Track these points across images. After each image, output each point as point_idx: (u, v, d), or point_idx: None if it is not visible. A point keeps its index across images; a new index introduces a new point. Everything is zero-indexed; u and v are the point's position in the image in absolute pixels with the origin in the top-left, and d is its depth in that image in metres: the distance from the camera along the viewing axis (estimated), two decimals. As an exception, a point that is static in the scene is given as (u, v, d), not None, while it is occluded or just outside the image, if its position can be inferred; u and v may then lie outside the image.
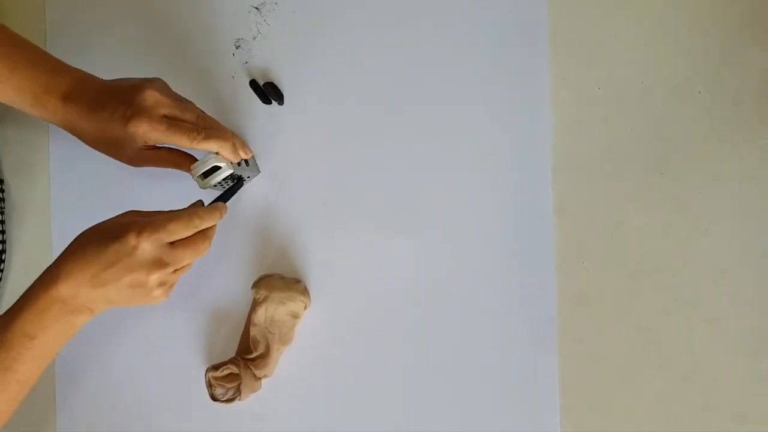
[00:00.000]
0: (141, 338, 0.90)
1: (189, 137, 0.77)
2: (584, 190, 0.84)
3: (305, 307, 0.86)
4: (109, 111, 0.77)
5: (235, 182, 0.83)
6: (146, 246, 0.68)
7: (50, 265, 0.71)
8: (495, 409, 0.84)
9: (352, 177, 0.87)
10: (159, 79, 0.81)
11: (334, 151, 0.88)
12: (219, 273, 0.89)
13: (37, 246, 0.93)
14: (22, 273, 0.93)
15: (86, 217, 0.91)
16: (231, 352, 0.87)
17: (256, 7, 0.90)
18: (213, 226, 0.75)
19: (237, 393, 0.84)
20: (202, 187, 0.81)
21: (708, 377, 0.81)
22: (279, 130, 0.89)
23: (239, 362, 0.84)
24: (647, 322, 0.82)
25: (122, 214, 0.73)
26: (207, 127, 0.79)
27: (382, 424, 0.86)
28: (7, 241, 0.93)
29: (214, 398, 0.85)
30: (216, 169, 0.79)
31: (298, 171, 0.89)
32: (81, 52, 0.93)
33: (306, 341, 0.87)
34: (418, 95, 0.87)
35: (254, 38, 0.90)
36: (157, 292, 0.72)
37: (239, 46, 0.90)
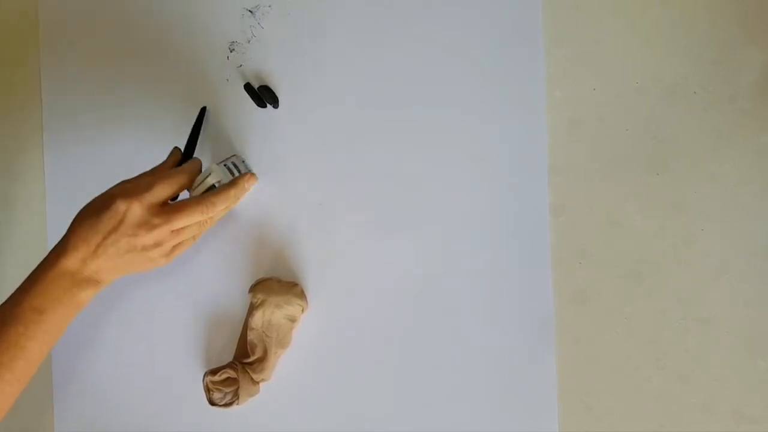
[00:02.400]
0: (139, 342, 0.90)
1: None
2: (580, 190, 0.84)
3: (302, 311, 0.86)
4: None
5: (196, 121, 0.87)
6: (134, 208, 0.72)
7: (56, 245, 0.74)
8: (493, 408, 0.84)
9: (348, 179, 0.87)
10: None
11: (329, 153, 0.88)
12: (216, 277, 0.89)
13: (32, 249, 0.93)
14: (18, 276, 0.93)
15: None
16: (229, 357, 0.88)
17: (250, 10, 0.90)
18: (219, 191, 0.78)
19: (235, 397, 0.84)
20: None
21: (706, 377, 0.81)
22: (274, 133, 0.89)
23: (237, 366, 0.84)
24: (644, 322, 0.82)
25: (114, 186, 0.75)
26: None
27: (381, 426, 0.86)
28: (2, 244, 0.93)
29: (212, 402, 0.85)
30: (214, 187, 0.81)
31: (293, 174, 0.88)
32: (74, 56, 0.93)
33: (304, 344, 0.87)
34: (414, 96, 0.86)
35: (248, 41, 0.90)
36: (154, 253, 0.74)
37: (233, 50, 0.90)
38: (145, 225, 0.72)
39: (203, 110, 0.87)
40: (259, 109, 0.89)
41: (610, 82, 0.84)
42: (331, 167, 0.88)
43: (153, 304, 0.90)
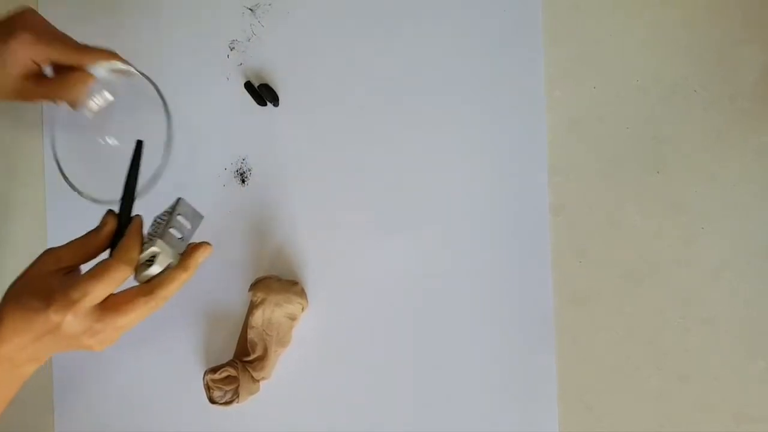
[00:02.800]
0: (139, 341, 0.90)
1: (77, 47, 0.75)
2: (580, 189, 0.84)
3: (303, 309, 0.86)
4: None
5: (131, 167, 0.69)
6: (70, 320, 0.63)
7: None
8: (493, 408, 0.84)
9: (348, 177, 0.87)
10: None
11: (329, 151, 0.88)
12: (216, 276, 0.89)
13: (32, 249, 0.93)
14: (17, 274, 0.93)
15: (81, 217, 0.91)
16: (229, 355, 0.88)
17: (250, 9, 0.89)
18: (163, 278, 0.68)
19: (235, 395, 0.84)
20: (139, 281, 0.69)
21: (705, 377, 0.81)
22: (274, 131, 0.89)
23: (237, 365, 0.84)
24: (644, 322, 0.82)
25: (39, 260, 0.68)
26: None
27: (380, 425, 0.86)
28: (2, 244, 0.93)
29: (212, 401, 0.85)
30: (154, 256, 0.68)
31: (293, 172, 0.88)
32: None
33: (304, 343, 0.87)
34: (414, 95, 0.86)
35: (249, 40, 0.90)
36: (98, 347, 0.67)
37: (234, 48, 0.90)
38: (87, 332, 0.65)
39: (139, 147, 0.71)
40: (260, 107, 0.89)
41: (610, 82, 0.84)
42: (331, 166, 0.88)
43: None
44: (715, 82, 0.82)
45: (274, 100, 0.88)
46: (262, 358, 0.85)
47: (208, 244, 0.70)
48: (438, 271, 0.85)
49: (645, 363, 0.82)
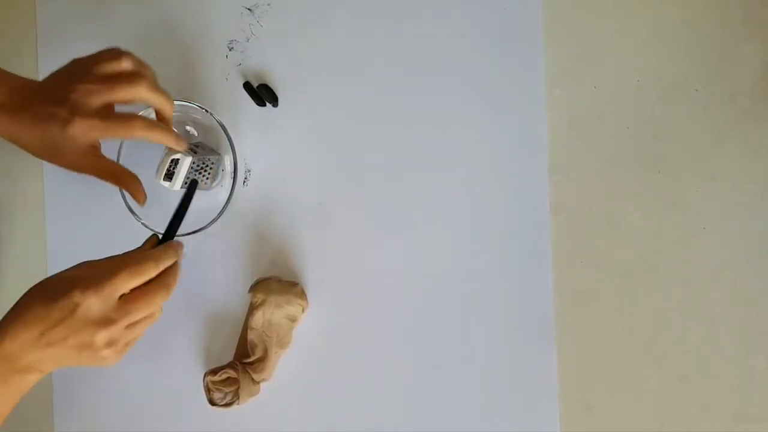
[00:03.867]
0: (139, 343, 0.90)
1: (125, 126, 0.71)
2: (580, 188, 0.84)
3: (303, 310, 0.86)
4: (47, 116, 0.70)
5: (184, 197, 0.74)
6: (92, 302, 0.63)
7: None
8: (493, 408, 0.84)
9: (347, 177, 0.87)
10: (75, 60, 0.74)
11: (328, 152, 0.88)
12: (216, 277, 0.89)
13: (31, 248, 0.93)
14: (17, 275, 0.93)
15: (81, 218, 0.91)
16: (229, 357, 0.87)
17: (248, 9, 0.89)
18: (174, 268, 0.70)
19: (235, 397, 0.84)
20: (171, 189, 0.82)
21: (705, 376, 0.81)
22: (273, 131, 0.89)
23: (237, 366, 0.84)
24: (644, 322, 0.82)
25: (75, 266, 0.67)
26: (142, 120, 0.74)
27: (381, 426, 0.86)
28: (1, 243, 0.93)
29: (212, 403, 0.85)
30: (176, 163, 0.78)
31: (292, 172, 0.88)
32: (73, 55, 0.92)
33: (304, 344, 0.87)
34: (413, 95, 0.86)
35: (247, 40, 0.89)
36: (106, 352, 0.66)
37: (232, 48, 0.90)
38: (101, 322, 0.64)
39: (193, 185, 0.75)
40: (258, 107, 0.89)
41: (610, 81, 0.84)
42: (331, 166, 0.88)
43: (153, 304, 0.90)
44: (716, 81, 0.82)
45: (274, 100, 0.88)
46: (262, 360, 0.85)
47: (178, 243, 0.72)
48: (438, 271, 0.85)
49: (645, 363, 0.82)
